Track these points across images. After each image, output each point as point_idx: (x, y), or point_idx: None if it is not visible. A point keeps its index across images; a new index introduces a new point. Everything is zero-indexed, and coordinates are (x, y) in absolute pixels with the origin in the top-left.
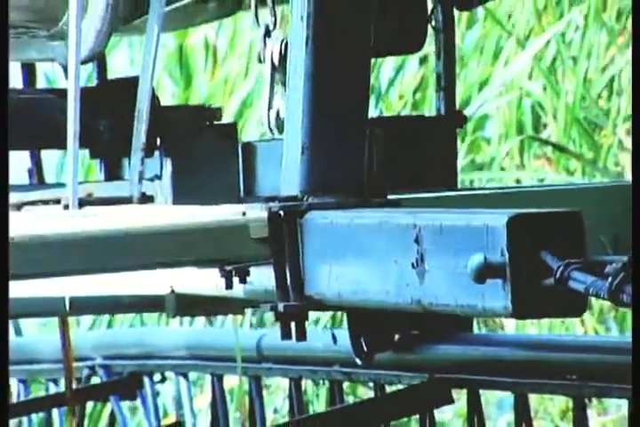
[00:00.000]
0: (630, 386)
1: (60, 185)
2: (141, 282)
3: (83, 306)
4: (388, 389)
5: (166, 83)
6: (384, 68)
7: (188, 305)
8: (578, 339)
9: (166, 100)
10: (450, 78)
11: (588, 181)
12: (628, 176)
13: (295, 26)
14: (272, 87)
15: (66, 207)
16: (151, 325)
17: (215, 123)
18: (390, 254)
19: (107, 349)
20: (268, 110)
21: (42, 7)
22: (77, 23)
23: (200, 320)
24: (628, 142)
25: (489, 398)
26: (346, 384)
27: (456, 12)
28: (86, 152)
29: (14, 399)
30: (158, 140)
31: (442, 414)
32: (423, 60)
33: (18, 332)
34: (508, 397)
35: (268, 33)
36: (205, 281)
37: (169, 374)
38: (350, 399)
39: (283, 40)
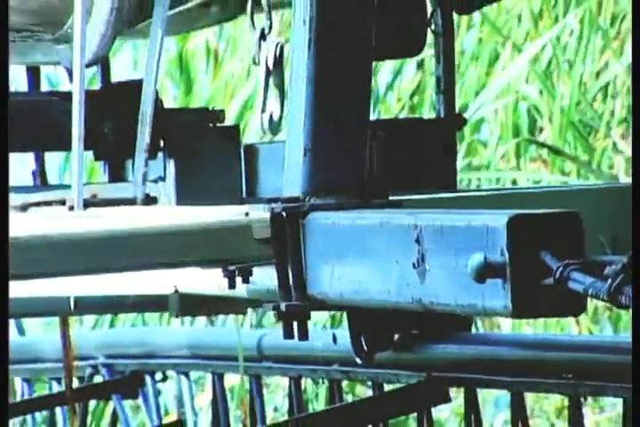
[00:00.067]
0: (625, 385)
1: (65, 186)
2: (145, 282)
3: (87, 306)
4: (387, 387)
5: (168, 86)
6: (382, 72)
7: (191, 305)
8: (573, 338)
9: (168, 103)
10: (449, 81)
11: (583, 183)
12: (622, 179)
13: (297, 29)
14: (266, 90)
15: (71, 208)
16: (153, 324)
17: (218, 125)
18: (391, 254)
19: (109, 348)
20: (262, 113)
21: (47, 11)
22: (82, 27)
23: (201, 320)
24: (623, 145)
25: (486, 396)
26: (345, 383)
27: (455, 16)
28: (89, 154)
29: (18, 398)
30: (162, 142)
31: (439, 412)
32: (420, 65)
33: (21, 331)
34: (504, 395)
35: (263, 36)
36: (209, 281)
37: (170, 372)
38: (349, 398)
39: (278, 44)
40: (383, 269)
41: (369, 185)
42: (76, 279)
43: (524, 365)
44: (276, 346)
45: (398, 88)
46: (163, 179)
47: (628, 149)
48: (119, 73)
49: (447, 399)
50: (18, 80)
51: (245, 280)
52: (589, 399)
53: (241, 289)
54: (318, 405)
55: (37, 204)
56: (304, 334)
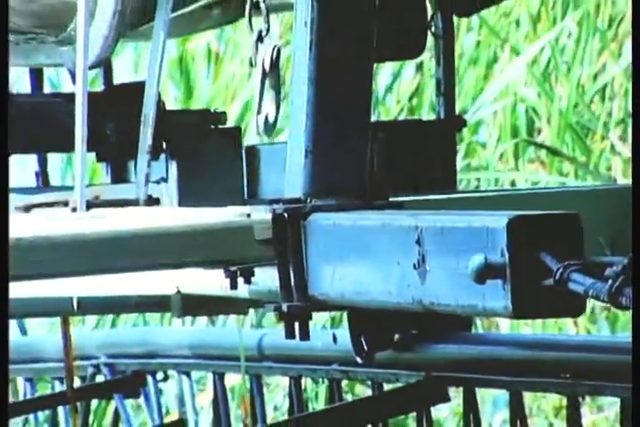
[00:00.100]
0: (622, 385)
1: (68, 188)
2: (148, 282)
3: (90, 306)
4: (386, 387)
5: (169, 88)
6: (381, 74)
7: (193, 305)
8: (571, 338)
9: (169, 104)
10: (449, 83)
11: (581, 184)
12: (620, 180)
13: (299, 31)
14: (262, 92)
15: (74, 209)
16: (154, 324)
17: (220, 127)
18: (392, 255)
19: (111, 348)
20: (257, 114)
21: (50, 13)
22: (85, 29)
23: (202, 320)
24: (620, 147)
25: (484, 396)
26: (344, 382)
27: (454, 19)
28: (92, 155)
29: (21, 398)
30: (164, 144)
31: (438, 411)
32: (419, 67)
33: (23, 331)
34: (503, 395)
35: (260, 38)
36: (211, 282)
37: (172, 372)
38: (349, 397)
39: (275, 46)
40: (384, 270)
41: (370, 186)
42: (79, 280)
43: (523, 364)
44: (276, 346)
45: (397, 90)
46: (165, 180)
47: (625, 150)
48: (119, 75)
49: (446, 399)
50: (20, 82)
51: (247, 281)
52: (587, 399)
53: (243, 290)
54: (318, 404)
55: (40, 205)
56: (305, 335)
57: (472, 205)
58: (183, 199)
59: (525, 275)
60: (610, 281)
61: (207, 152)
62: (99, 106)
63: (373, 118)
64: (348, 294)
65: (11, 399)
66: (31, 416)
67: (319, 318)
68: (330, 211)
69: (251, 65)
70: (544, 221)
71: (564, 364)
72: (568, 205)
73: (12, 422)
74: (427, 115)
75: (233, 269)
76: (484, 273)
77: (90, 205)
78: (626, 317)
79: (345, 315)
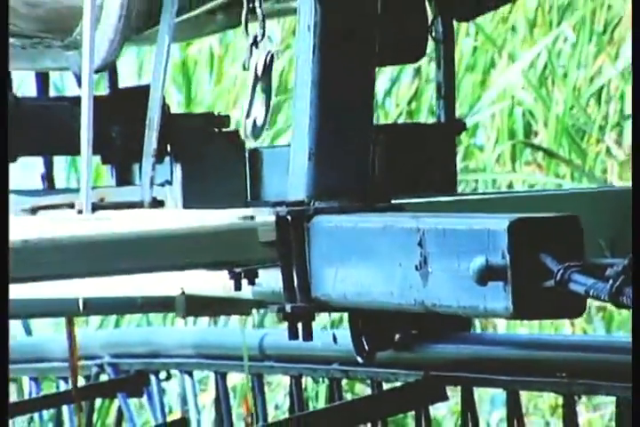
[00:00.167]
0: (618, 384)
1: (73, 190)
2: (153, 284)
3: (96, 307)
4: (385, 386)
5: (171, 91)
6: (380, 78)
7: (197, 306)
8: (567, 338)
9: (172, 108)
10: (449, 87)
11: (579, 186)
12: (616, 183)
13: (302, 35)
14: (252, 96)
15: (79, 212)
16: (157, 324)
17: (223, 130)
18: (394, 257)
19: (114, 347)
20: (246, 118)
21: (56, 18)
22: (91, 33)
23: (204, 320)
24: (616, 150)
25: (482, 395)
26: (344, 382)
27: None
28: (95, 157)
29: (26, 397)
30: (169, 147)
31: (436, 410)
32: (417, 71)
33: (28, 331)
34: (500, 394)
35: (255, 43)
36: (215, 283)
37: (174, 372)
38: (348, 396)
39: (269, 52)
40: (386, 272)
41: (372, 189)
42: (84, 281)
43: (520, 364)
44: (277, 346)
45: (396, 94)
46: (170, 182)
47: (620, 153)
48: (121, 79)
49: (444, 398)
50: (24, 85)
51: (251, 282)
52: (584, 398)
53: (247, 291)
54: (318, 403)
55: (46, 207)
56: (308, 335)
57: (473, 208)
58: (187, 201)
59: (526, 276)
60: (610, 281)
61: (211, 155)
62: (104, 109)
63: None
64: (350, 295)
65: (16, 398)
66: (36, 415)
67: (320, 320)
68: (332, 213)
69: (244, 68)
70: (544, 223)
71: (560, 363)
72: (568, 208)
73: (17, 420)
74: (425, 119)
75: (237, 270)
76: (486, 275)
77: (95, 208)
78: (621, 317)
79: (345, 316)
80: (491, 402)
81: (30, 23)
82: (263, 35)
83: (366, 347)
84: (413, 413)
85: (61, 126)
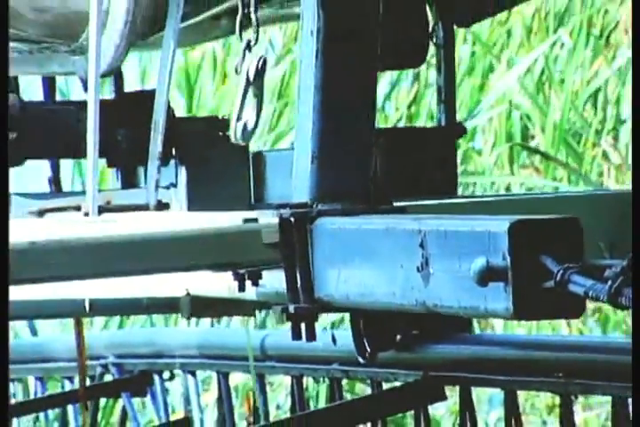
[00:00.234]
0: (614, 383)
1: (80, 193)
2: (158, 285)
3: (102, 308)
4: (385, 386)
5: (175, 95)
6: (380, 83)
7: (201, 307)
8: (564, 339)
9: (176, 111)
10: (449, 91)
11: (578, 189)
12: (612, 186)
13: (305, 40)
14: (243, 100)
15: (86, 214)
16: (160, 325)
17: (227, 133)
18: (396, 258)
19: (119, 348)
20: (237, 121)
21: (63, 23)
22: (97, 38)
23: (206, 321)
24: (612, 154)
25: (480, 394)
26: (345, 382)
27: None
28: (101, 161)
29: (32, 396)
30: (173, 150)
31: (435, 410)
32: (417, 76)
33: (33, 332)
34: (498, 394)
35: (249, 48)
36: (219, 284)
37: (177, 371)
38: (349, 396)
39: (261, 57)
40: (388, 273)
41: (374, 191)
42: (91, 282)
43: (517, 364)
44: (278, 346)
45: (396, 98)
46: (174, 185)
47: (616, 157)
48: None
49: (443, 398)
50: (29, 90)
51: (255, 283)
52: (580, 397)
53: (250, 292)
54: (319, 403)
55: (53, 210)
56: (312, 336)
57: (474, 210)
58: (192, 204)
59: (526, 277)
60: (609, 282)
61: (215, 158)
62: (110, 113)
63: None
64: (352, 295)
65: (22, 398)
66: (41, 414)
67: (320, 321)
68: (335, 215)
69: (236, 72)
70: (544, 224)
71: (557, 363)
72: (567, 210)
73: (22, 420)
74: (424, 123)
75: (241, 271)
76: (486, 276)
77: (101, 210)
78: (616, 317)
79: (345, 317)
80: (489, 402)
81: (38, 28)
82: (256, 40)
83: (368, 347)
84: (412, 412)
85: (68, 130)
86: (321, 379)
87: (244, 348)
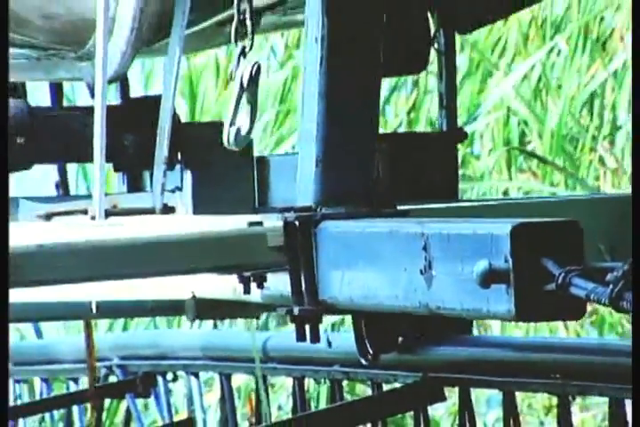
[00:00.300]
0: (610, 385)
1: (87, 197)
2: (164, 287)
3: (108, 310)
4: (385, 387)
5: (178, 100)
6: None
7: (206, 309)
8: (561, 341)
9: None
10: (450, 97)
11: (577, 193)
12: (609, 190)
13: (309, 47)
14: (237, 105)
15: (93, 218)
16: (163, 327)
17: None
18: (399, 261)
19: (123, 350)
20: (230, 126)
21: (71, 30)
22: (104, 45)
23: (209, 323)
24: (608, 159)
25: (479, 395)
26: (345, 383)
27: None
28: (108, 165)
29: (37, 397)
30: (179, 155)
31: (435, 411)
32: (416, 83)
33: (39, 334)
34: (496, 394)
35: (243, 54)
36: (225, 286)
37: (181, 373)
38: (349, 397)
39: (255, 63)
40: (391, 276)
41: (377, 195)
42: (97, 285)
43: (516, 366)
44: (280, 348)
45: (396, 104)
46: (180, 189)
47: (612, 162)
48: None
49: (442, 398)
50: (34, 95)
51: (260, 286)
52: (578, 398)
53: (255, 294)
54: (320, 404)
55: (61, 213)
56: (316, 337)
57: (476, 214)
58: (197, 207)
59: (528, 280)
60: (610, 286)
61: (220, 162)
62: (116, 118)
63: None
64: (356, 298)
65: (28, 399)
66: (47, 415)
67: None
68: (339, 219)
69: (230, 78)
70: (546, 228)
71: (554, 365)
72: (568, 213)
73: (28, 420)
74: (424, 129)
75: (246, 274)
76: (489, 278)
77: (108, 214)
78: (612, 320)
79: (344, 320)
80: (487, 403)
81: (45, 35)
82: (251, 46)
83: (370, 349)
84: (412, 413)
85: (75, 135)
86: (322, 380)
87: (247, 350)
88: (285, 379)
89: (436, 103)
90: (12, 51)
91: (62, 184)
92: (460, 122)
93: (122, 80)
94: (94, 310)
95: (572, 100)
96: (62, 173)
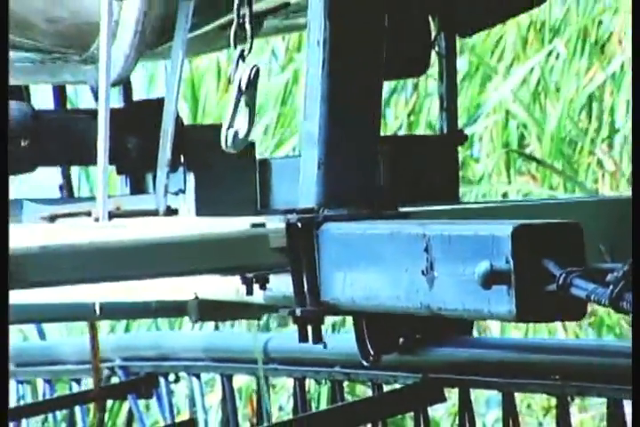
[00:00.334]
0: (609, 386)
1: (90, 199)
2: (167, 288)
3: (111, 311)
4: (385, 388)
5: (179, 103)
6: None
7: (209, 310)
8: (560, 342)
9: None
10: (451, 99)
11: (578, 195)
12: (605, 193)
13: (312, 50)
14: (235, 108)
15: (97, 219)
16: (165, 329)
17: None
18: (401, 262)
19: (125, 351)
20: (228, 129)
21: (75, 34)
22: (108, 48)
23: (210, 325)
24: (606, 161)
25: (478, 396)
26: (346, 384)
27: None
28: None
29: (40, 398)
30: (182, 157)
31: (435, 411)
32: (416, 86)
33: (42, 335)
34: (495, 395)
35: (242, 57)
36: (227, 287)
37: (182, 374)
38: (350, 398)
39: (254, 67)
40: (393, 277)
41: (379, 197)
42: (101, 286)
43: (515, 367)
44: (281, 349)
45: (396, 107)
46: (183, 191)
47: (611, 164)
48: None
49: (442, 399)
50: (37, 98)
51: (262, 287)
52: (576, 399)
53: (258, 295)
54: (321, 404)
55: (65, 215)
56: (318, 338)
57: (477, 215)
58: (200, 209)
59: (529, 281)
60: (611, 286)
61: (222, 165)
62: (119, 121)
63: None
64: (358, 299)
65: (31, 400)
66: (50, 416)
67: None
68: (341, 220)
69: (229, 82)
70: (547, 229)
71: (553, 366)
72: (568, 215)
73: (31, 421)
74: (423, 132)
75: (249, 275)
76: (490, 279)
77: (112, 216)
78: (610, 321)
79: (344, 320)
80: (486, 403)
81: (50, 39)
82: (250, 49)
83: (371, 351)
84: (412, 414)
85: (78, 138)
86: (323, 381)
87: (248, 351)
88: (286, 380)
89: (435, 106)
90: (16, 54)
91: (66, 186)
92: (459, 124)
93: (124, 83)
94: (98, 312)
95: (571, 102)
96: (66, 176)
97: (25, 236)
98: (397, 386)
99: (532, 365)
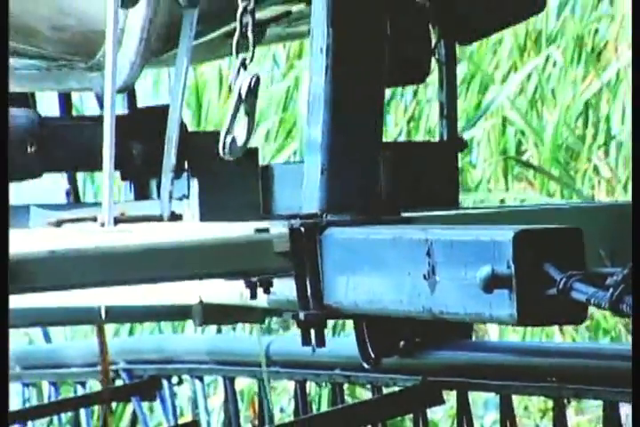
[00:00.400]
0: (605, 388)
1: (96, 204)
2: (172, 292)
3: (117, 315)
4: (385, 390)
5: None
6: None
7: (213, 314)
8: (557, 345)
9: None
10: (451, 106)
11: (578, 201)
12: (602, 199)
13: (315, 57)
14: (234, 116)
15: (102, 225)
16: (168, 332)
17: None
18: (403, 267)
19: (129, 354)
20: (226, 135)
21: (81, 41)
22: (113, 56)
23: (213, 328)
24: (603, 168)
25: (476, 398)
26: (346, 386)
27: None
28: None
29: (45, 400)
30: (186, 163)
31: (433, 414)
32: (415, 93)
33: (47, 339)
34: (493, 397)
35: (244, 65)
36: (232, 291)
37: (185, 376)
38: (350, 400)
39: (254, 76)
40: (396, 281)
41: (381, 202)
42: (107, 290)
43: (512, 370)
44: (282, 352)
45: (395, 114)
46: (187, 197)
47: (607, 171)
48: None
49: (441, 402)
50: (42, 104)
51: (266, 291)
52: (573, 402)
53: (262, 299)
54: (321, 406)
55: (71, 220)
56: (321, 341)
57: (478, 221)
58: (204, 215)
59: (530, 285)
60: (611, 290)
61: (226, 170)
62: (124, 128)
63: None
64: (361, 302)
65: (36, 402)
66: (55, 418)
67: None
68: (344, 225)
69: (229, 90)
70: (547, 234)
71: (550, 369)
72: (568, 220)
73: (37, 423)
74: (423, 139)
75: (253, 279)
76: (491, 283)
77: (117, 221)
78: (607, 324)
79: (345, 324)
80: (484, 405)
81: (56, 46)
82: (252, 58)
83: (372, 354)
84: (412, 416)
85: (84, 144)
86: (323, 384)
87: (250, 354)
88: (287, 382)
89: (434, 113)
90: (22, 61)
91: (72, 192)
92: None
93: (129, 90)
94: (104, 315)
95: (568, 110)
96: (72, 182)
97: (32, 241)
98: (397, 389)
99: (529, 368)
